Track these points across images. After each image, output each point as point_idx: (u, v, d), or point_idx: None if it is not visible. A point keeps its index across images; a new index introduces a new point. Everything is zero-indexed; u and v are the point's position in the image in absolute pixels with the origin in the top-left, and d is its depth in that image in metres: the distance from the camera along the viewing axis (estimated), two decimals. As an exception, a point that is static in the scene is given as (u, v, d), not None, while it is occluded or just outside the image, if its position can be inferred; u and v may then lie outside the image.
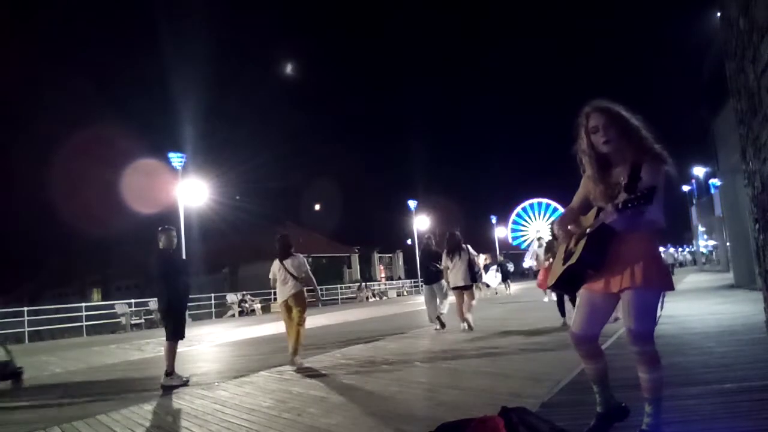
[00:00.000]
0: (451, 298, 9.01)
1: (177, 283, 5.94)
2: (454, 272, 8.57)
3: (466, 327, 8.48)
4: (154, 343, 10.68)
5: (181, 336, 5.89)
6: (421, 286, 11.33)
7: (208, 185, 24.12)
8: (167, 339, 5.80)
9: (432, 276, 9.05)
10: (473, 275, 8.71)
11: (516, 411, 2.63)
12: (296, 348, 6.30)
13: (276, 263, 6.66)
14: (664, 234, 2.41)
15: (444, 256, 8.67)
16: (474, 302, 8.95)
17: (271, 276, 6.76)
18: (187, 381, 5.59)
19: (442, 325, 8.84)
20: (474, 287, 9.21)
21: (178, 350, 5.89)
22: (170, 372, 5.65)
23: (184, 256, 19.35)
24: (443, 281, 8.84)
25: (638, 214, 2.21)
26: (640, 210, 2.16)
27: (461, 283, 8.54)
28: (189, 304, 7.40)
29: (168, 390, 5.28)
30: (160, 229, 5.99)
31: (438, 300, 9.09)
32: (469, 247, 8.82)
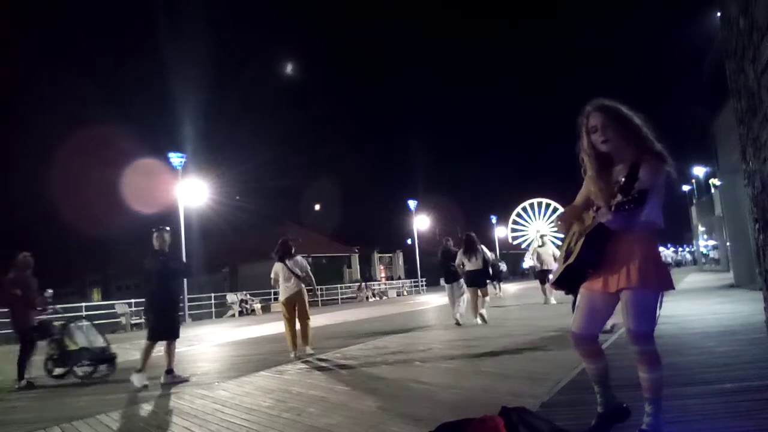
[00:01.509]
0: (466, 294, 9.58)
1: (168, 285, 5.96)
2: (469, 270, 9.19)
3: (479, 321, 9.05)
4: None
5: (160, 338, 5.85)
6: (429, 285, 11.83)
7: (208, 185, 24.13)
8: (147, 338, 5.85)
9: (451, 275, 9.56)
10: (488, 274, 9.47)
11: (516, 411, 2.63)
12: (307, 337, 7.13)
13: (278, 264, 7.27)
14: (662, 234, 2.41)
15: (460, 255, 9.27)
16: (487, 299, 9.62)
17: (273, 276, 7.35)
18: (147, 386, 5.50)
19: (457, 323, 9.25)
20: (489, 285, 9.95)
21: (178, 350, 5.94)
22: (170, 370, 5.77)
23: (184, 258, 19.37)
24: (461, 280, 9.42)
25: (633, 215, 2.21)
26: (633, 212, 2.16)
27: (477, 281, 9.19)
28: (189, 304, 7.70)
29: (166, 389, 5.29)
30: (154, 229, 6.01)
31: (456, 296, 9.61)
32: (483, 247, 9.47)
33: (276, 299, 25.98)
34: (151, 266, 5.97)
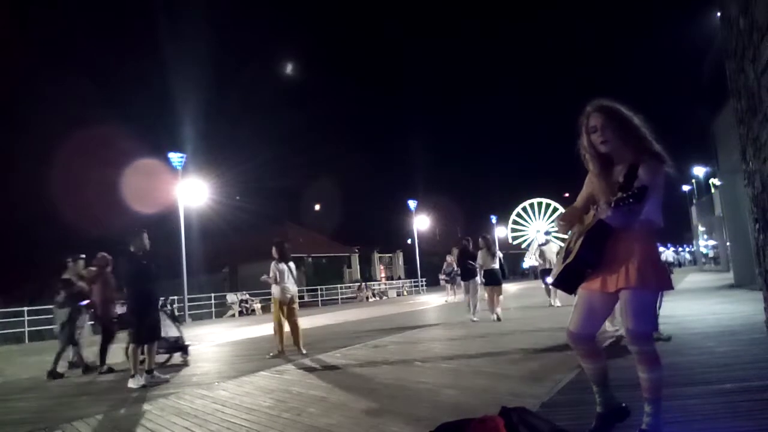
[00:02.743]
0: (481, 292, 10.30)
1: (145, 288, 5.92)
2: (487, 269, 9.85)
3: (496, 318, 9.56)
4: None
5: (144, 341, 5.88)
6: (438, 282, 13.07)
7: (208, 185, 24.11)
8: (131, 342, 5.83)
9: (469, 273, 10.18)
10: (503, 273, 10.16)
11: (516, 411, 2.63)
12: (300, 339, 7.29)
13: (281, 264, 7.40)
14: (661, 234, 2.41)
15: (485, 254, 9.89)
16: (501, 298, 10.20)
17: (274, 275, 7.38)
18: (146, 385, 5.55)
19: (473, 316, 9.95)
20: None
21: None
22: (150, 370, 5.83)
23: (185, 262, 19.34)
24: (477, 278, 10.06)
25: (632, 212, 2.21)
26: (632, 209, 2.17)
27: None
28: (189, 304, 7.97)
29: (166, 389, 5.29)
30: (131, 231, 6.00)
31: (472, 294, 10.22)
32: (497, 250, 10.30)
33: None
34: (130, 269, 5.94)
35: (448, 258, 18.65)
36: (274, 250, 7.51)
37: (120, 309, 7.39)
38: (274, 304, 7.44)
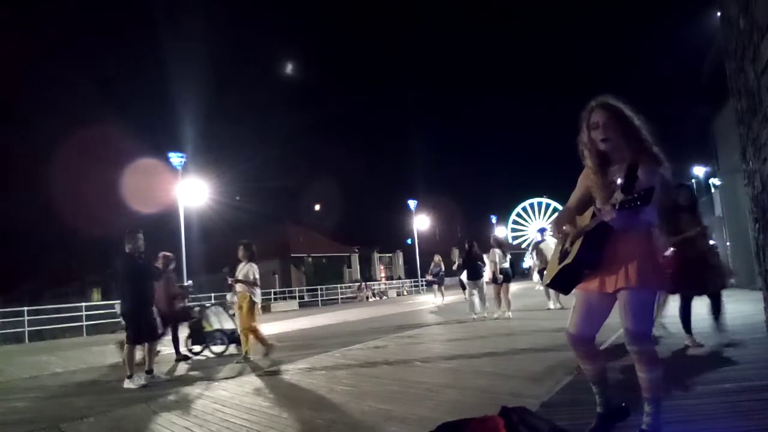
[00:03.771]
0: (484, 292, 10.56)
1: (142, 287, 5.93)
2: (502, 268, 10.16)
3: (501, 315, 9.90)
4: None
5: (142, 340, 5.90)
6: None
7: (208, 185, 24.12)
8: (127, 342, 5.82)
9: (475, 273, 10.46)
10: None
11: (516, 411, 2.63)
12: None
13: (255, 266, 7.18)
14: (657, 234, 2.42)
15: (500, 253, 10.14)
16: (509, 296, 10.40)
17: (253, 277, 7.11)
18: (146, 385, 5.57)
19: (478, 318, 10.17)
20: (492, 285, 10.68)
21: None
22: (150, 371, 5.83)
23: (185, 262, 19.35)
24: (483, 278, 10.40)
25: (635, 214, 2.21)
26: (638, 210, 2.17)
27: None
28: (189, 303, 8.23)
29: (166, 389, 5.28)
30: (127, 232, 6.01)
31: (478, 293, 10.51)
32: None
33: (276, 299, 26.12)
34: (125, 269, 5.95)
35: (436, 258, 18.24)
36: (243, 251, 7.16)
37: (182, 303, 7.99)
38: (251, 307, 6.99)
